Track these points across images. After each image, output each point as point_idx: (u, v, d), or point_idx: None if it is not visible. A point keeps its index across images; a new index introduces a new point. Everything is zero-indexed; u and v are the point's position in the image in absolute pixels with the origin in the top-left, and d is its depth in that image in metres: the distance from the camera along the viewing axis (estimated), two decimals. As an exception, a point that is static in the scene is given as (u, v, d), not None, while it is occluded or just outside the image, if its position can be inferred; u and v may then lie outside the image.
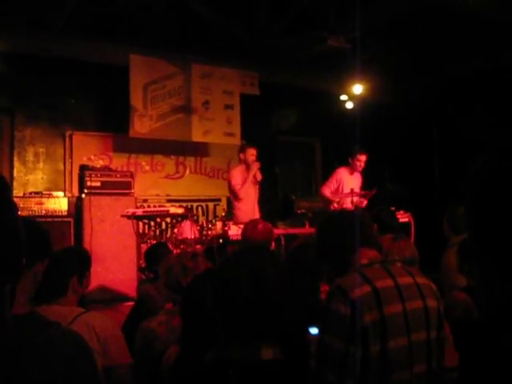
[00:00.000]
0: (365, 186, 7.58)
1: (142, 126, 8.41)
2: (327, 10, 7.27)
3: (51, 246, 1.77)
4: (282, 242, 6.62)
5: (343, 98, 9.44)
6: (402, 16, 7.49)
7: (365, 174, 7.78)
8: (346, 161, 7.70)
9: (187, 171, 9.47)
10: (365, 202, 7.34)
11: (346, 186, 7.55)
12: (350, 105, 9.41)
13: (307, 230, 6.89)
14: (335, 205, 7.54)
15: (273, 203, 9.65)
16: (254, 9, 7.89)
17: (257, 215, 6.86)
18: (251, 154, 7.04)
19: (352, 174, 7.66)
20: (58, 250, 2.96)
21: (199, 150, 9.46)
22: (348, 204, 7.38)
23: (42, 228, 1.76)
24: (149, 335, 2.82)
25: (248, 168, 6.96)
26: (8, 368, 0.94)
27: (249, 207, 6.93)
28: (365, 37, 7.41)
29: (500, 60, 8.75)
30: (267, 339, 1.70)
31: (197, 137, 8.94)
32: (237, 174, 7.05)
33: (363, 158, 7.51)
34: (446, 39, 8.20)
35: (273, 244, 4.97)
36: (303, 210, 8.75)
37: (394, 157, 10.35)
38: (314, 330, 2.16)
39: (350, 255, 2.16)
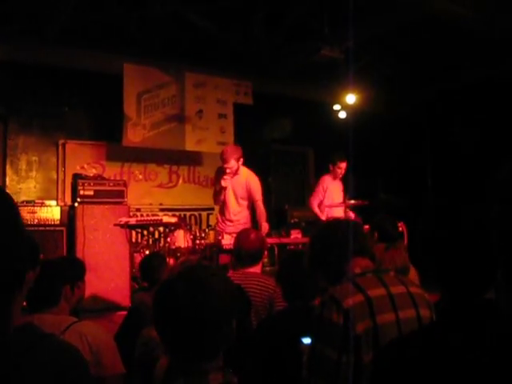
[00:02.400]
0: (357, 195, 7.60)
1: (135, 135, 8.40)
2: (321, 20, 7.31)
3: (40, 254, 1.77)
4: (275, 252, 6.62)
5: (336, 107, 9.47)
6: (396, 27, 7.54)
7: (358, 183, 7.80)
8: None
9: (180, 180, 9.47)
10: (352, 215, 7.36)
11: (330, 193, 7.60)
12: (343, 114, 9.44)
13: (300, 239, 6.88)
14: (319, 213, 7.57)
15: (266, 212, 9.64)
16: (248, 19, 7.92)
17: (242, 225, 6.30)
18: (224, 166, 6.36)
19: (334, 180, 7.70)
20: (52, 259, 2.96)
21: (192, 159, 9.46)
22: (339, 213, 7.40)
23: (30, 236, 1.76)
24: (150, 343, 2.81)
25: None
26: (4, 381, 0.94)
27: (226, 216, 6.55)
28: (358, 47, 7.46)
29: (493, 71, 8.81)
30: (211, 360, 1.68)
31: (190, 146, 8.94)
32: (215, 176, 6.59)
33: (343, 165, 7.55)
34: (440, 50, 8.27)
35: (266, 253, 4.96)
36: (296, 220, 8.75)
37: (387, 166, 10.38)
38: (306, 340, 2.16)
39: (343, 264, 2.16)
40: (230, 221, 6.49)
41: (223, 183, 6.27)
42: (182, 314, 1.64)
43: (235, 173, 6.33)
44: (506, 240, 0.92)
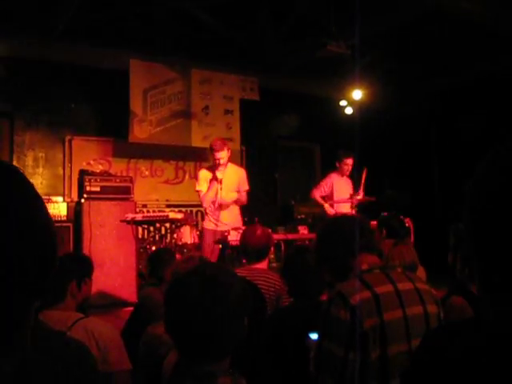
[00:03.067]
0: (364, 192, 7.58)
1: (141, 131, 8.41)
2: (327, 16, 7.29)
3: None
4: (282, 248, 6.62)
5: (343, 103, 9.46)
6: (402, 23, 7.51)
7: (364, 180, 7.78)
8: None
9: (187, 176, 9.47)
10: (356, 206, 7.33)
11: (338, 190, 7.57)
12: (349, 110, 9.43)
13: (307, 235, 6.87)
14: (327, 209, 7.53)
15: (272, 208, 9.65)
16: (254, 15, 7.91)
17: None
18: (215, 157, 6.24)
19: (342, 177, 7.67)
20: (58, 256, 2.96)
21: (199, 155, 9.45)
22: (346, 209, 7.37)
23: None
24: (154, 341, 2.81)
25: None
26: (11, 380, 0.93)
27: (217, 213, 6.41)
28: (365, 43, 7.43)
29: (499, 66, 8.77)
30: (219, 361, 1.67)
31: (196, 142, 8.94)
32: (201, 177, 6.46)
33: (350, 161, 7.52)
34: (445, 45, 8.23)
35: (272, 249, 4.95)
36: (303, 216, 8.74)
37: (394, 162, 10.35)
38: (313, 336, 2.15)
39: (350, 261, 2.15)
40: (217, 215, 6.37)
41: (219, 175, 6.17)
42: (193, 313, 1.64)
43: (225, 165, 6.29)
44: (481, 249, 0.90)
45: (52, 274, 1.00)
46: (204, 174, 6.45)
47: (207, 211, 6.53)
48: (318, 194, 7.68)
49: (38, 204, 0.99)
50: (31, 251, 0.93)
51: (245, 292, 1.76)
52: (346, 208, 7.43)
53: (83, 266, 2.91)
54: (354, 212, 7.14)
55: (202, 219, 9.27)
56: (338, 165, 7.62)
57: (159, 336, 2.79)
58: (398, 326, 1.94)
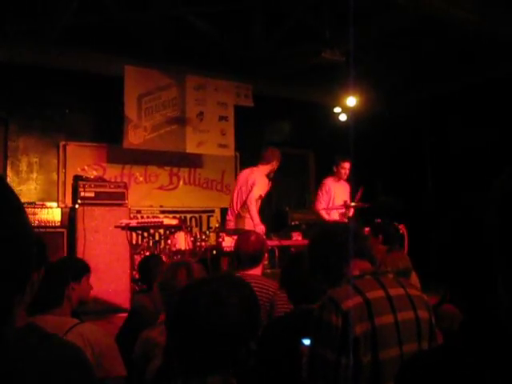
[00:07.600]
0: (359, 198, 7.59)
1: (136, 137, 8.41)
2: (322, 23, 7.32)
3: (47, 254, 1.77)
4: (276, 254, 6.62)
5: (337, 110, 9.47)
6: (396, 30, 7.55)
7: (358, 186, 7.80)
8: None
9: (181, 182, 9.48)
10: (351, 211, 7.32)
11: (335, 195, 7.55)
12: (343, 117, 9.45)
13: (301, 241, 6.88)
14: (326, 216, 7.54)
15: (266, 215, 9.65)
16: (249, 21, 7.94)
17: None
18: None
19: (338, 181, 7.67)
20: (53, 261, 2.97)
21: (193, 162, 9.47)
22: (336, 215, 7.37)
23: (36, 236, 1.76)
24: (149, 344, 2.81)
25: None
26: (5, 382, 0.94)
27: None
28: (359, 50, 7.47)
29: (494, 72, 8.82)
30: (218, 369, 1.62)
31: (191, 148, 8.94)
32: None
33: (347, 165, 7.51)
34: (440, 52, 8.28)
35: (266, 255, 4.97)
36: (297, 222, 8.75)
37: (388, 169, 10.39)
38: (306, 341, 2.17)
39: (342, 267, 2.17)
40: None
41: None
42: (200, 327, 1.60)
43: None
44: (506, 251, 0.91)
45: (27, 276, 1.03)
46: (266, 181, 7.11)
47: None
48: (320, 206, 7.67)
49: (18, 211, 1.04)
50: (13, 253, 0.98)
51: (254, 310, 1.72)
52: (338, 215, 7.42)
53: (77, 268, 2.93)
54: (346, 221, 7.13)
55: (196, 225, 9.30)
56: (335, 169, 7.62)
57: (154, 339, 2.79)
58: (389, 331, 1.96)
